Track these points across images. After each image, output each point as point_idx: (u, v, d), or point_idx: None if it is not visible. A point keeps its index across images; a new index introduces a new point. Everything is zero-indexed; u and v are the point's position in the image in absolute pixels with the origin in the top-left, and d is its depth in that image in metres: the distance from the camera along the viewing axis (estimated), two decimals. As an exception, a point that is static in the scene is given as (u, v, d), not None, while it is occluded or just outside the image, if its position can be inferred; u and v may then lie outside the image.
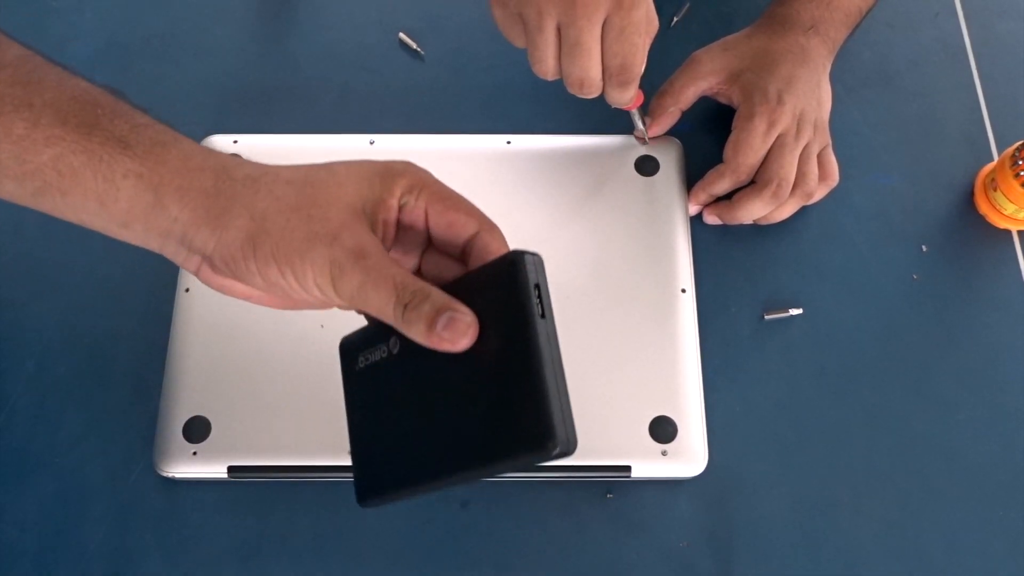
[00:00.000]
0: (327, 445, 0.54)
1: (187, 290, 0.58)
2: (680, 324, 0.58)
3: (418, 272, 0.42)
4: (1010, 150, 0.61)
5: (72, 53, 0.67)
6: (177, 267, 0.59)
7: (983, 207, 0.64)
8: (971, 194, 0.65)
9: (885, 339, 0.60)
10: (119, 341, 0.59)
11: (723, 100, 0.64)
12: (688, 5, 0.72)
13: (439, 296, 0.36)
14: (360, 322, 0.42)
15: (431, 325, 0.35)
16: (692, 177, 0.63)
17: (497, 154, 0.63)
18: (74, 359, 0.59)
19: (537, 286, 0.36)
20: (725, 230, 0.63)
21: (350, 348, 0.42)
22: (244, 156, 0.42)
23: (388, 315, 0.37)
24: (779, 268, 0.62)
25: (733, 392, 0.58)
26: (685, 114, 0.64)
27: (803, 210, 0.63)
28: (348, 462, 0.53)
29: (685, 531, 0.55)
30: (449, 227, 0.40)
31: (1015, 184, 0.60)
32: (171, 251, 0.40)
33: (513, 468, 0.36)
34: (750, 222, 0.62)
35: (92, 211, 0.39)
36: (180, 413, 0.55)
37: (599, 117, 0.62)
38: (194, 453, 0.54)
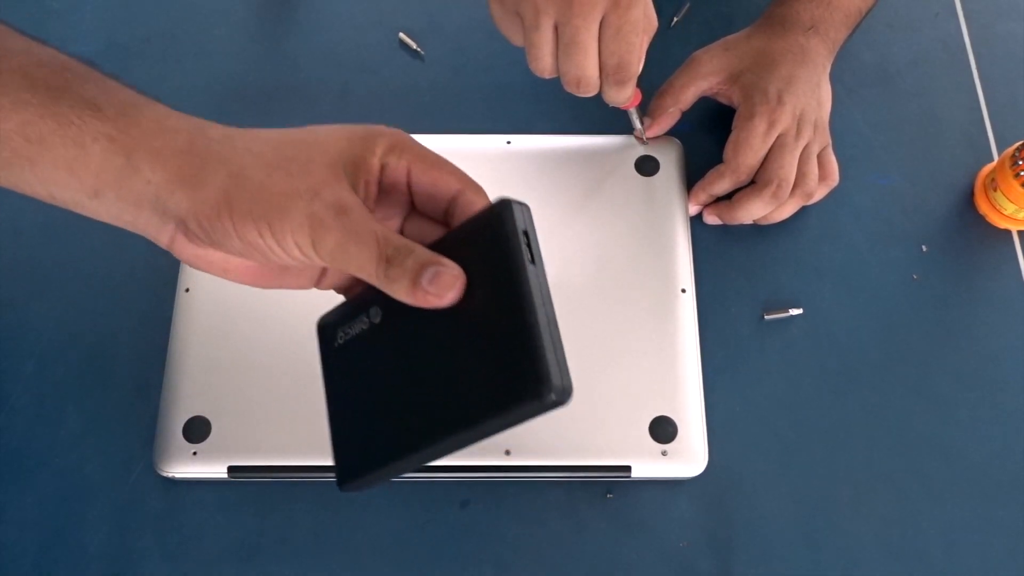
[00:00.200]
0: (327, 445, 0.54)
1: (187, 290, 0.58)
2: (680, 324, 0.58)
3: (401, 235, 0.41)
4: (1010, 150, 0.61)
5: (72, 53, 0.67)
6: (177, 267, 0.59)
7: (983, 207, 0.64)
8: (971, 194, 0.65)
9: (885, 339, 0.60)
10: (119, 341, 0.59)
11: (723, 100, 0.64)
12: (688, 5, 0.72)
13: (423, 251, 0.35)
14: None
15: (415, 281, 0.34)
16: (692, 177, 0.63)
17: (497, 154, 0.63)
18: (74, 359, 0.59)
19: (525, 232, 0.35)
20: (725, 230, 0.63)
21: (327, 327, 0.40)
22: None
23: (370, 273, 0.35)
24: (779, 268, 0.62)
25: (733, 392, 0.58)
26: (685, 114, 0.64)
27: (803, 210, 0.63)
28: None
29: (685, 531, 0.55)
30: (432, 185, 0.39)
31: (1015, 184, 0.60)
32: (144, 222, 0.38)
33: (508, 423, 0.34)
34: (750, 222, 0.62)
35: (62, 182, 0.37)
36: (180, 413, 0.55)
37: (599, 117, 0.62)
38: (194, 453, 0.54)
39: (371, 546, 0.54)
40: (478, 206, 0.38)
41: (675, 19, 0.71)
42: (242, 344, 0.57)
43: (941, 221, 0.64)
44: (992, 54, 0.70)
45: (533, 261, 0.34)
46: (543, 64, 0.52)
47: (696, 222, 0.63)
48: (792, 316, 0.60)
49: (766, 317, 0.60)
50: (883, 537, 0.55)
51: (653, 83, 0.63)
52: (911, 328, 0.60)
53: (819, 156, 0.62)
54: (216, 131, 0.38)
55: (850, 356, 0.59)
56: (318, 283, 0.41)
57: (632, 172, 0.63)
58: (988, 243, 0.63)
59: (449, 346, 0.35)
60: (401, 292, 0.35)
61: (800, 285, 0.61)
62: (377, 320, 0.38)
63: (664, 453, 0.54)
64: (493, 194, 0.38)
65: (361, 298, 0.38)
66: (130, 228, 0.39)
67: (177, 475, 0.54)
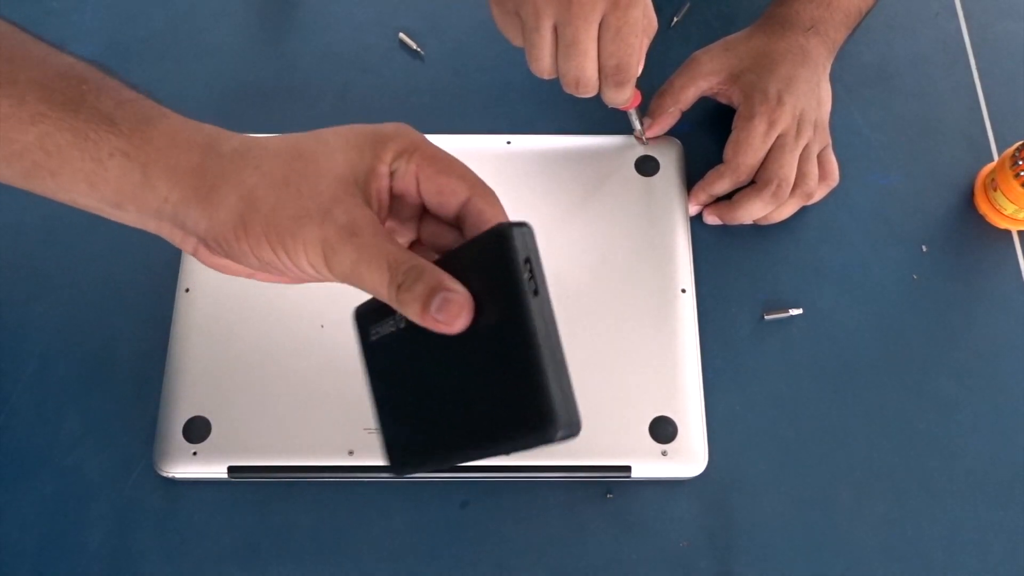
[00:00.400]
0: (327, 445, 0.54)
1: (187, 290, 0.58)
2: (680, 324, 0.58)
3: (417, 241, 0.41)
4: (1010, 150, 0.61)
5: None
6: (177, 267, 0.59)
7: (983, 207, 0.64)
8: (971, 194, 0.65)
9: (885, 339, 0.60)
10: (119, 341, 0.59)
11: (723, 100, 0.64)
12: (688, 5, 0.72)
13: (432, 275, 0.35)
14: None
15: (425, 306, 0.34)
16: (692, 177, 0.63)
17: (497, 154, 0.63)
18: (74, 359, 0.59)
19: (528, 260, 0.34)
20: (725, 230, 0.63)
21: (362, 318, 0.41)
22: None
23: (383, 295, 0.36)
24: (779, 268, 0.62)
25: (733, 392, 0.58)
26: (685, 114, 0.64)
27: (803, 210, 0.63)
28: (348, 462, 0.54)
29: (685, 531, 0.55)
30: (439, 193, 0.38)
31: (1015, 184, 0.60)
32: (167, 232, 0.39)
33: (522, 449, 0.35)
34: (750, 222, 0.62)
35: (83, 192, 0.38)
36: (180, 413, 0.55)
37: (599, 117, 0.62)
38: (194, 453, 0.54)
39: (371, 546, 0.54)
40: (487, 215, 0.37)
41: (675, 19, 0.71)
42: (242, 344, 0.57)
43: (941, 221, 0.64)
44: (992, 54, 0.70)
45: (536, 292, 0.34)
46: (543, 65, 0.52)
47: (696, 222, 0.63)
48: (792, 316, 0.60)
49: (766, 317, 0.60)
50: (883, 537, 0.55)
51: (653, 83, 0.63)
52: (911, 328, 0.60)
53: (819, 156, 0.62)
54: (227, 145, 0.38)
55: (850, 356, 0.59)
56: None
57: (632, 172, 0.63)
58: (988, 243, 0.63)
59: (465, 364, 0.35)
60: (412, 315, 0.35)
61: (800, 285, 0.61)
62: (402, 325, 0.38)
63: (664, 453, 0.54)
64: (498, 197, 0.38)
65: None
66: (156, 234, 0.40)
67: (177, 475, 0.54)
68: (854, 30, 0.65)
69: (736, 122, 0.61)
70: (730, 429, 0.57)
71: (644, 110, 0.63)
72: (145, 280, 0.61)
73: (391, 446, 0.39)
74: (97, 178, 0.37)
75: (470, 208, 0.38)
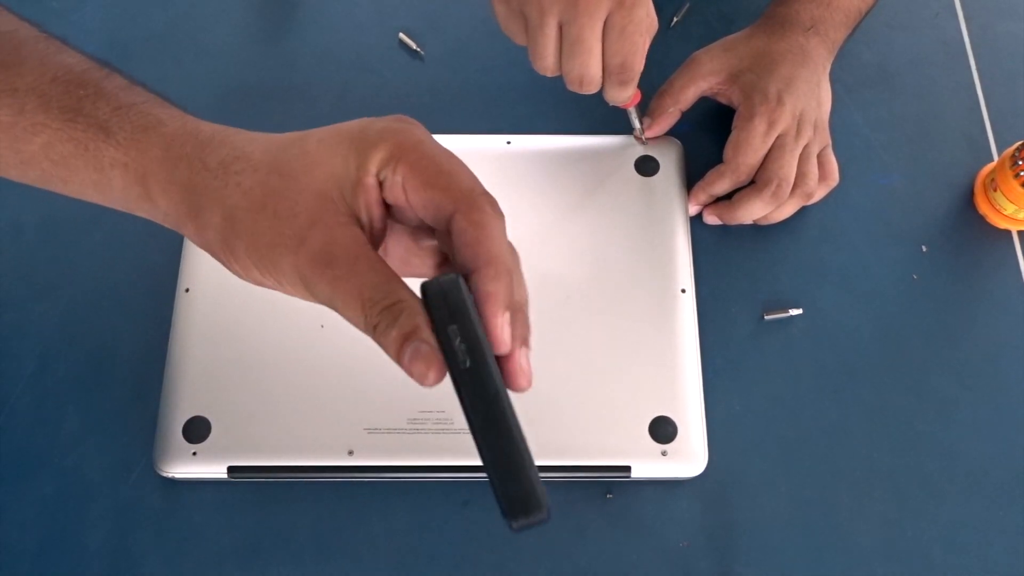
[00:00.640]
0: (327, 445, 0.54)
1: (187, 290, 0.58)
2: (680, 324, 0.58)
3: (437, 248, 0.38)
4: (1010, 150, 0.61)
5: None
6: (177, 267, 0.59)
7: (983, 207, 0.64)
8: (971, 194, 0.65)
9: (885, 339, 0.60)
10: (119, 341, 0.59)
11: (723, 100, 0.64)
12: (688, 5, 0.72)
13: (409, 319, 0.32)
14: None
15: (399, 354, 0.32)
16: (692, 177, 0.63)
17: (497, 154, 0.63)
18: (74, 359, 0.59)
19: (455, 322, 0.30)
20: (725, 230, 0.63)
21: None
22: None
23: (362, 331, 0.33)
24: (779, 268, 0.62)
25: (733, 392, 0.58)
26: (685, 114, 0.64)
27: (803, 210, 0.63)
28: (348, 462, 0.54)
29: (685, 531, 0.55)
30: (425, 208, 0.34)
31: (1015, 184, 0.60)
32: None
33: None
34: (750, 222, 0.62)
35: (97, 198, 0.38)
36: (180, 413, 0.55)
37: (599, 117, 0.62)
38: (194, 453, 0.54)
39: (371, 546, 0.54)
40: (468, 237, 0.33)
41: (675, 19, 0.71)
42: (242, 344, 0.57)
43: (941, 221, 0.64)
44: (992, 54, 0.70)
45: (468, 363, 0.30)
46: (546, 63, 0.52)
47: (696, 222, 0.63)
48: (792, 316, 0.60)
49: (766, 317, 0.60)
50: (883, 537, 0.55)
51: (653, 83, 0.63)
52: (911, 328, 0.60)
53: (819, 156, 0.62)
54: (215, 156, 0.36)
55: (850, 356, 0.59)
56: None
57: (632, 172, 0.63)
58: (988, 243, 0.63)
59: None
60: (391, 358, 0.32)
61: (800, 285, 0.61)
62: None
63: (664, 453, 0.54)
64: (498, 196, 0.36)
65: None
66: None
67: (177, 475, 0.54)
68: (854, 30, 0.65)
69: (736, 122, 0.61)
70: (730, 429, 0.57)
71: (644, 110, 0.63)
72: (145, 280, 0.61)
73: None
74: (103, 186, 0.37)
75: (454, 227, 0.34)
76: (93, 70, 0.38)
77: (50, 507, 0.55)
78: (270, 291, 0.41)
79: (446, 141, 0.64)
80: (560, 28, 0.50)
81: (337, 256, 0.33)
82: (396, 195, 0.35)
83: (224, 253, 0.35)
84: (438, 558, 0.54)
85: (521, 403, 0.33)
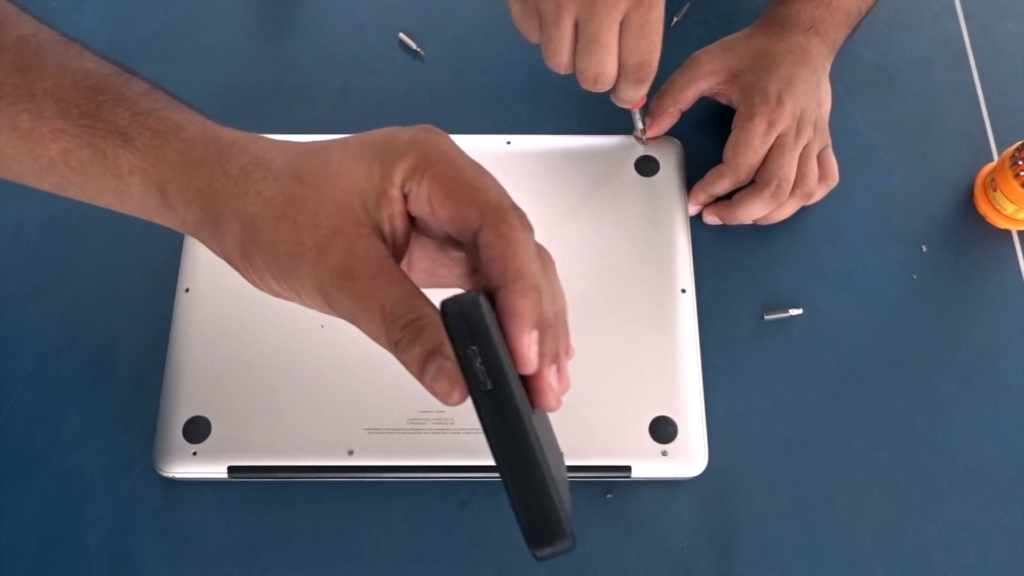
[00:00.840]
0: (327, 445, 0.54)
1: (187, 290, 0.58)
2: (680, 324, 0.58)
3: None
4: (1010, 150, 0.61)
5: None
6: (177, 267, 0.59)
7: (983, 207, 0.64)
8: (971, 194, 0.65)
9: (885, 339, 0.60)
10: (119, 341, 0.59)
11: (723, 100, 0.64)
12: (688, 5, 0.72)
13: (431, 336, 0.31)
14: None
15: (422, 373, 0.31)
16: (692, 177, 0.63)
17: (497, 154, 0.63)
18: (74, 359, 0.59)
19: (474, 346, 0.29)
20: (725, 230, 0.63)
21: None
22: None
23: (384, 347, 0.32)
24: (779, 268, 0.62)
25: (733, 392, 0.58)
26: (685, 114, 0.64)
27: (803, 210, 0.63)
28: (348, 462, 0.54)
29: (685, 531, 0.55)
30: (451, 222, 0.33)
31: (1015, 184, 0.60)
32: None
33: None
34: (750, 222, 0.62)
35: (115, 205, 0.37)
36: (180, 413, 0.55)
37: (599, 117, 0.62)
38: (194, 453, 0.54)
39: (371, 546, 0.54)
40: (495, 251, 0.32)
41: (675, 19, 0.71)
42: (242, 344, 0.57)
43: (941, 221, 0.64)
44: (992, 54, 0.70)
45: (490, 386, 0.29)
46: (560, 60, 0.52)
47: (696, 222, 0.63)
48: (792, 316, 0.60)
49: (766, 317, 0.60)
50: (883, 537, 0.55)
51: (654, 83, 0.63)
52: (911, 328, 0.60)
53: (819, 156, 0.62)
54: (236, 162, 0.35)
55: (850, 356, 0.59)
56: None
57: (632, 172, 0.63)
58: (988, 243, 0.63)
59: None
60: (413, 375, 0.32)
61: (800, 285, 0.61)
62: None
63: (664, 453, 0.54)
64: None
65: None
66: None
67: (177, 475, 0.54)
68: (854, 30, 0.65)
69: (736, 122, 0.61)
70: (730, 429, 0.57)
71: (644, 110, 0.63)
72: (145, 280, 0.61)
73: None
74: (122, 194, 0.37)
75: (480, 241, 0.32)
76: (113, 75, 0.38)
77: (50, 507, 0.55)
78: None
79: (446, 141, 0.63)
80: (576, 25, 0.50)
81: (358, 269, 0.32)
82: (421, 207, 0.34)
83: (242, 262, 0.35)
84: (438, 558, 0.54)
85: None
